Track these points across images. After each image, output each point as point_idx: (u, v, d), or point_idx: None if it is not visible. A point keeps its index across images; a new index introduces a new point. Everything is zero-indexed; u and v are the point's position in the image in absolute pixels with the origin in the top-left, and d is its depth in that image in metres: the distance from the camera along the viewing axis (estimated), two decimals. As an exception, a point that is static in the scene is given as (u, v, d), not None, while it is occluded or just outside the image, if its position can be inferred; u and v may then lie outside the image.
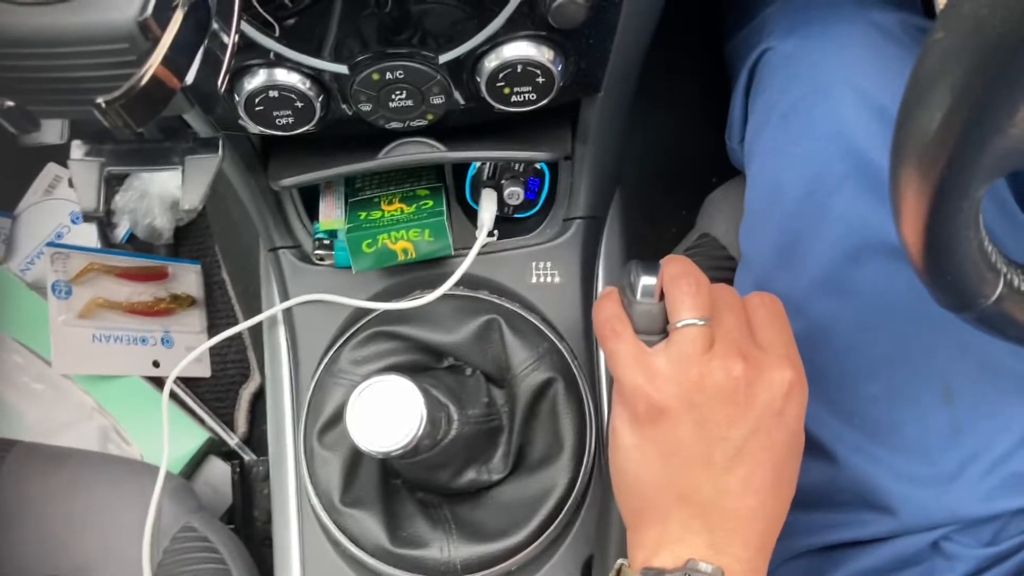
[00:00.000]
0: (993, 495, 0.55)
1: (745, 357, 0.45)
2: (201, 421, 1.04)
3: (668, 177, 1.09)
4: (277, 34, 0.47)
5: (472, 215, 0.68)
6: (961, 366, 0.56)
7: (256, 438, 1.07)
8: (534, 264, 0.68)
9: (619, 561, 0.47)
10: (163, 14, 0.33)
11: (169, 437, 0.70)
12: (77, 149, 0.48)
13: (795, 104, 0.60)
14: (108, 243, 1.08)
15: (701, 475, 0.45)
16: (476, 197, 0.67)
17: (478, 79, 0.49)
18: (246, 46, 0.47)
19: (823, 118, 0.58)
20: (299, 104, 0.50)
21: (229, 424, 1.06)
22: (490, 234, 0.65)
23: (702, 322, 0.46)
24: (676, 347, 0.45)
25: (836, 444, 0.57)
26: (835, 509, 0.58)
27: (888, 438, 0.57)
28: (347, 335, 0.65)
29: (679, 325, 0.46)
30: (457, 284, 0.62)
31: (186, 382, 1.06)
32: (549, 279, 0.68)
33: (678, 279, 0.47)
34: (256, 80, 0.49)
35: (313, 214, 0.67)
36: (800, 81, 0.61)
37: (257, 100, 0.49)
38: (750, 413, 0.44)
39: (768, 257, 0.62)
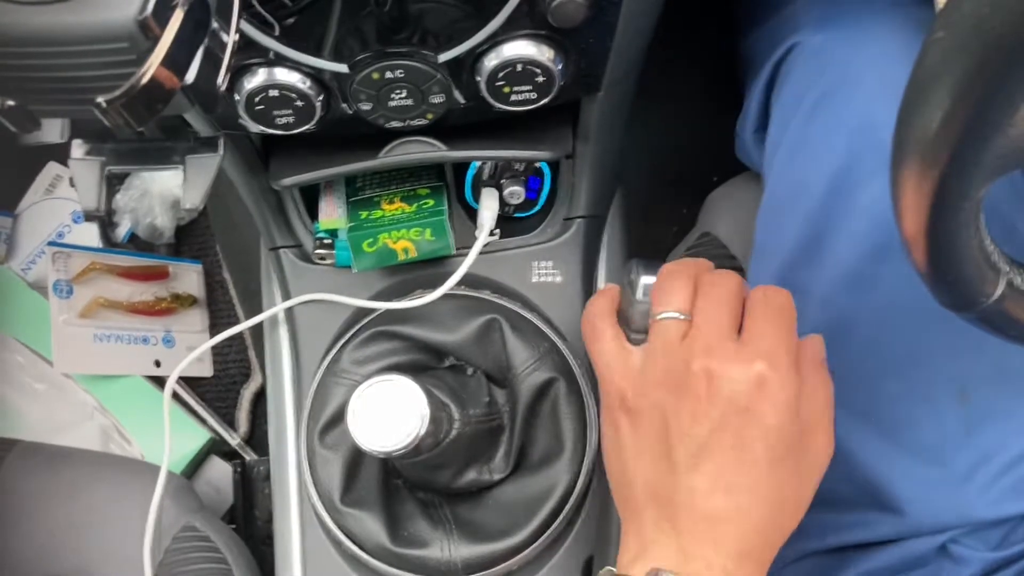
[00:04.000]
0: (1004, 498, 0.55)
1: (710, 351, 0.43)
2: (202, 421, 1.04)
3: (669, 176, 1.09)
4: (277, 33, 0.47)
5: (473, 214, 0.68)
6: (977, 368, 0.55)
7: (257, 438, 1.08)
8: (535, 263, 0.68)
9: (606, 569, 0.47)
10: (163, 13, 0.33)
11: (170, 437, 0.70)
12: (78, 148, 0.48)
13: (824, 97, 0.59)
14: (109, 242, 1.08)
15: (667, 473, 0.44)
16: (477, 196, 0.67)
17: (478, 78, 0.49)
18: (246, 45, 0.47)
19: (853, 111, 0.57)
20: (299, 103, 0.50)
21: (230, 424, 1.06)
22: (491, 233, 0.65)
23: (679, 315, 0.45)
24: (650, 342, 0.45)
25: (849, 441, 0.57)
26: (843, 509, 0.58)
27: (902, 437, 0.56)
28: (348, 335, 0.65)
29: (656, 319, 0.45)
30: (458, 284, 0.62)
31: (187, 382, 1.06)
32: (550, 278, 0.67)
33: (664, 275, 0.47)
34: (256, 79, 0.49)
35: (314, 213, 0.67)
36: (830, 74, 0.59)
37: (257, 99, 0.49)
38: (713, 409, 0.43)
39: (790, 250, 0.61)
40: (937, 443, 0.56)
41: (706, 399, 0.43)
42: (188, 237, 1.12)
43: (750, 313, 0.46)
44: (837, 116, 0.58)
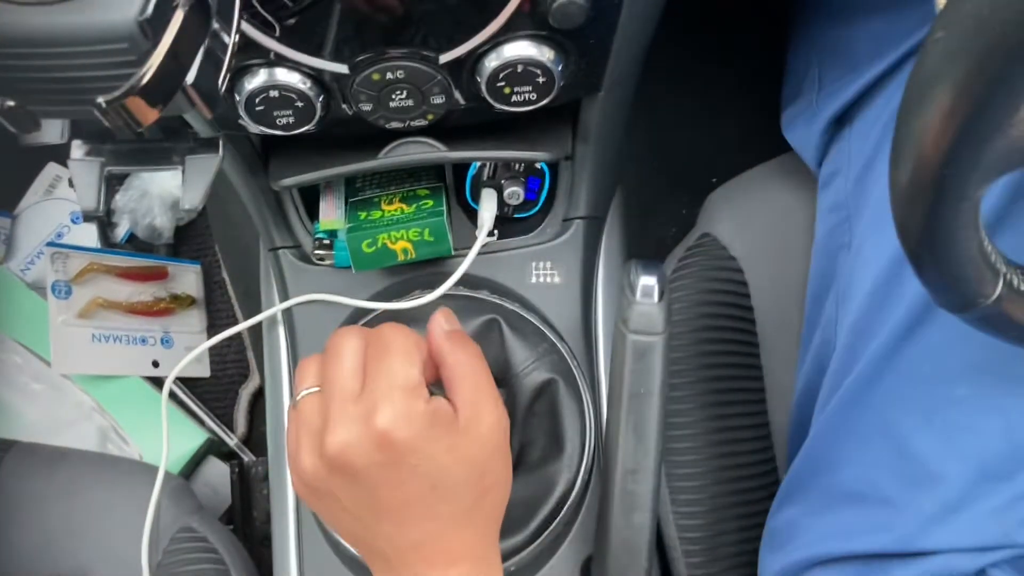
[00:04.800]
0: None
1: (333, 423, 0.44)
2: (200, 421, 1.04)
3: (668, 177, 1.09)
4: (277, 34, 0.47)
5: (472, 215, 0.68)
6: None
7: (255, 438, 1.08)
8: (534, 264, 0.68)
9: None
10: (163, 14, 0.33)
11: (168, 437, 0.70)
12: (77, 149, 0.48)
13: None
14: (108, 243, 1.08)
15: (364, 529, 0.47)
16: (476, 197, 0.67)
17: (478, 79, 0.49)
18: (246, 46, 0.47)
19: None
20: (299, 104, 0.50)
21: (228, 424, 1.06)
22: (490, 234, 0.65)
23: (311, 390, 0.46)
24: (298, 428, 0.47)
25: (902, 431, 0.56)
26: (878, 506, 0.57)
27: (965, 444, 0.55)
28: (347, 335, 0.65)
29: (293, 401, 0.47)
30: (457, 284, 0.62)
31: (185, 382, 1.06)
32: (549, 279, 0.68)
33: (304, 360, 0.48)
34: (256, 80, 0.49)
35: (313, 214, 0.67)
36: None
37: (257, 100, 0.49)
38: (363, 479, 0.44)
39: (896, 250, 0.58)
40: (1000, 456, 0.54)
41: (352, 475, 0.44)
42: (187, 237, 1.12)
43: (368, 365, 0.46)
44: None
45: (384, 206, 0.64)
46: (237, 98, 0.49)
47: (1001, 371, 0.55)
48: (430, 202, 0.63)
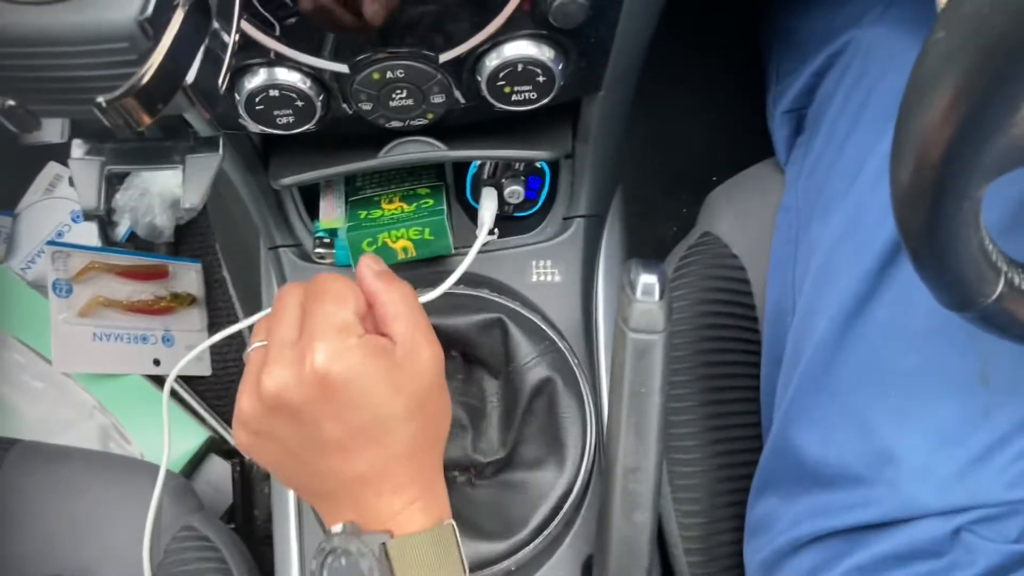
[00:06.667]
0: (1018, 482, 0.54)
1: (270, 369, 0.45)
2: (202, 420, 1.04)
3: (668, 176, 1.09)
4: (277, 33, 0.47)
5: (472, 214, 0.68)
6: (1000, 349, 0.54)
7: (257, 437, 1.07)
8: (534, 263, 0.68)
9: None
10: (163, 13, 0.33)
11: (170, 436, 0.70)
12: (78, 148, 0.48)
13: (874, 88, 0.59)
14: (109, 242, 1.08)
15: (308, 471, 0.47)
16: (476, 196, 0.67)
17: (478, 78, 0.49)
18: (246, 45, 0.47)
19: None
20: (299, 103, 0.50)
21: (230, 423, 1.06)
22: (490, 233, 0.65)
23: (260, 344, 0.48)
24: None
25: (866, 412, 0.57)
26: (854, 486, 0.58)
27: (920, 412, 0.56)
28: (348, 334, 0.65)
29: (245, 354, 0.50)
30: (458, 283, 0.62)
31: (187, 380, 1.06)
32: (549, 278, 0.68)
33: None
34: (256, 79, 0.49)
35: (313, 213, 0.67)
36: (879, 66, 0.59)
37: (257, 99, 0.49)
38: (305, 418, 0.45)
39: (835, 233, 0.61)
40: (955, 421, 0.55)
41: (291, 413, 0.45)
42: (187, 236, 1.12)
43: (307, 314, 0.47)
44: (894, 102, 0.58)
45: (384, 205, 0.64)
46: (237, 97, 0.49)
47: (947, 339, 0.55)
48: (430, 201, 0.63)
